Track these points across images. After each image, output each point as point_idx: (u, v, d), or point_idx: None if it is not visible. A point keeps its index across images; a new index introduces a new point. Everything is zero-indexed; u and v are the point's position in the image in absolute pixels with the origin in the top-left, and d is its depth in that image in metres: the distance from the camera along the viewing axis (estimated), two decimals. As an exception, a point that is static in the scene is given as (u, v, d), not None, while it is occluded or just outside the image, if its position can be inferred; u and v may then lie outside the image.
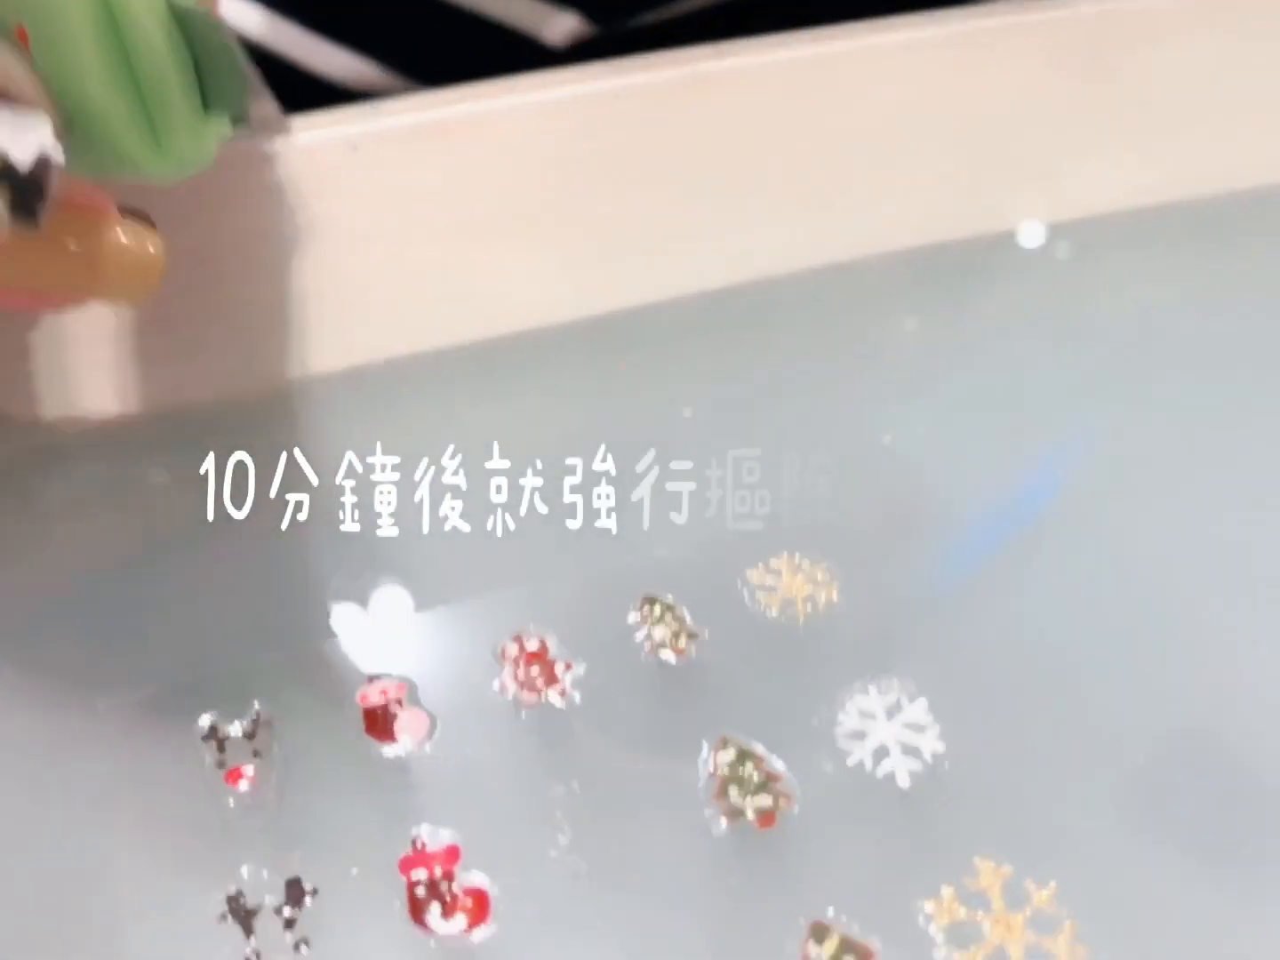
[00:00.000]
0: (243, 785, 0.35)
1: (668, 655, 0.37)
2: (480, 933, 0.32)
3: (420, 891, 0.33)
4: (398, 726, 0.36)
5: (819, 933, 0.32)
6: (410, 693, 0.37)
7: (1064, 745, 0.35)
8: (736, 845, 0.33)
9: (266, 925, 0.32)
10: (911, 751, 0.35)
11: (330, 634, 0.38)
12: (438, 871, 0.33)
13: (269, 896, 0.33)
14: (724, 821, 0.34)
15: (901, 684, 0.36)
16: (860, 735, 0.35)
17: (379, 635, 0.38)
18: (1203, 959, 0.31)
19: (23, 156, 0.25)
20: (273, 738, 0.36)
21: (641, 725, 0.36)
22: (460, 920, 0.32)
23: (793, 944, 0.31)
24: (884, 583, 0.38)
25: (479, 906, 0.33)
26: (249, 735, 0.36)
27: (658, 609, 0.38)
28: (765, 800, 0.34)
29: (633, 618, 0.37)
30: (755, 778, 0.34)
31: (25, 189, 0.26)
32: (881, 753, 0.35)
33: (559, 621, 0.37)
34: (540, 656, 0.37)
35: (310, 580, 0.38)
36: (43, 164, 0.26)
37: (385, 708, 0.37)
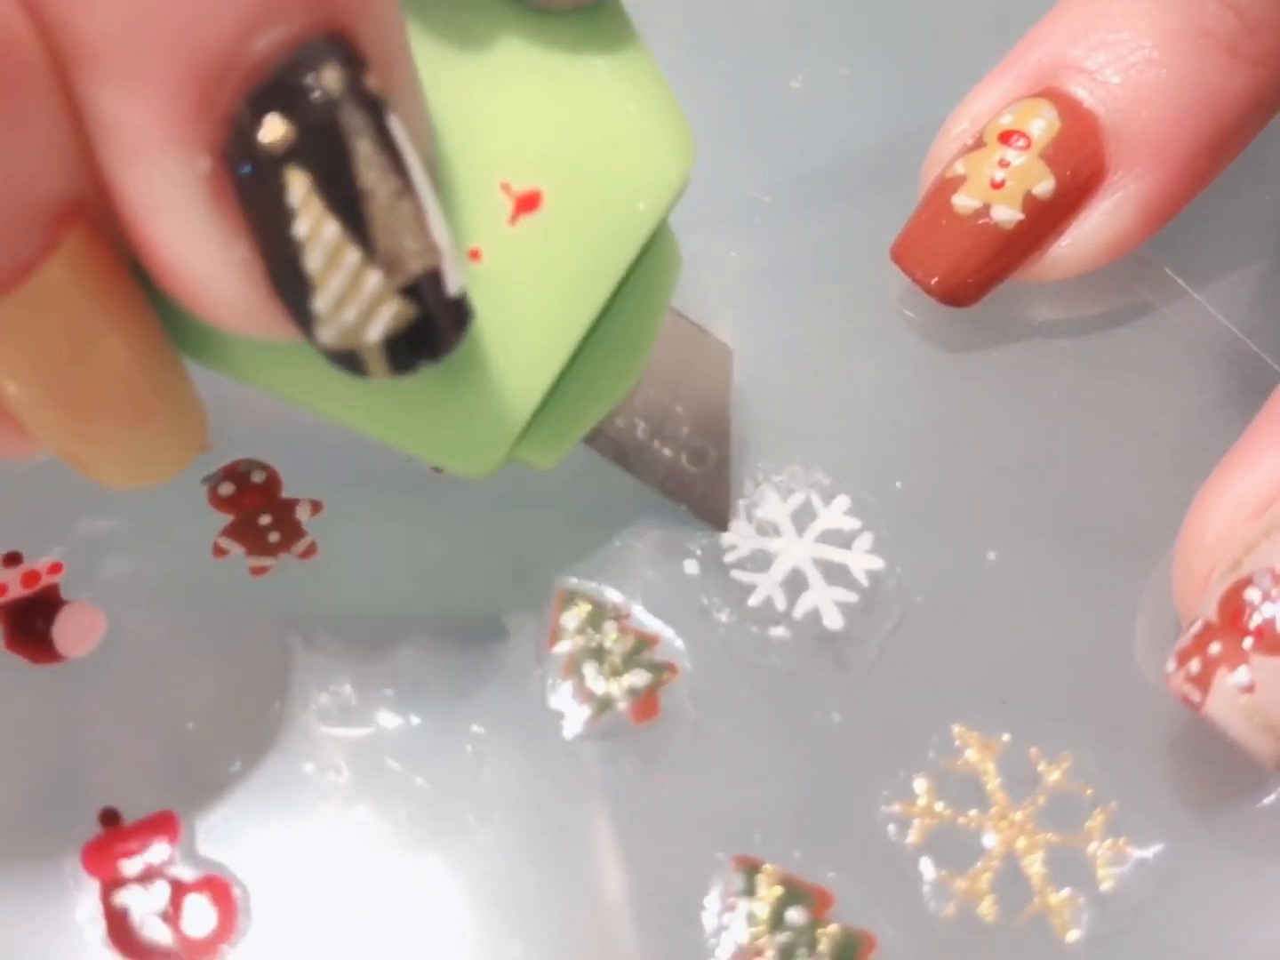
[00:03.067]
0: None
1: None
2: (227, 949, 0.21)
3: (122, 899, 0.21)
4: (56, 629, 0.23)
5: (748, 873, 0.21)
6: (73, 577, 0.24)
7: (1055, 534, 0.25)
8: (604, 753, 0.22)
9: None
10: (838, 575, 0.24)
11: None
12: (146, 861, 0.21)
13: None
14: (579, 717, 0.22)
15: (808, 475, 0.25)
16: (762, 561, 0.24)
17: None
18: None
19: (456, 279, 0.17)
20: None
21: (425, 573, 0.24)
22: (194, 933, 0.21)
23: (713, 891, 0.21)
24: (777, 339, 0.26)
25: (218, 908, 0.21)
26: None
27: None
28: (640, 677, 0.23)
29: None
30: (620, 645, 0.23)
31: (438, 319, 0.17)
32: (796, 582, 0.24)
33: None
34: (269, 496, 0.25)
35: None
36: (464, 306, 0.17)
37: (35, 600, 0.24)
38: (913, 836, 0.21)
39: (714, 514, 0.24)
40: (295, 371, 0.18)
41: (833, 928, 0.20)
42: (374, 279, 0.16)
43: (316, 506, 0.25)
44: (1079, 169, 0.25)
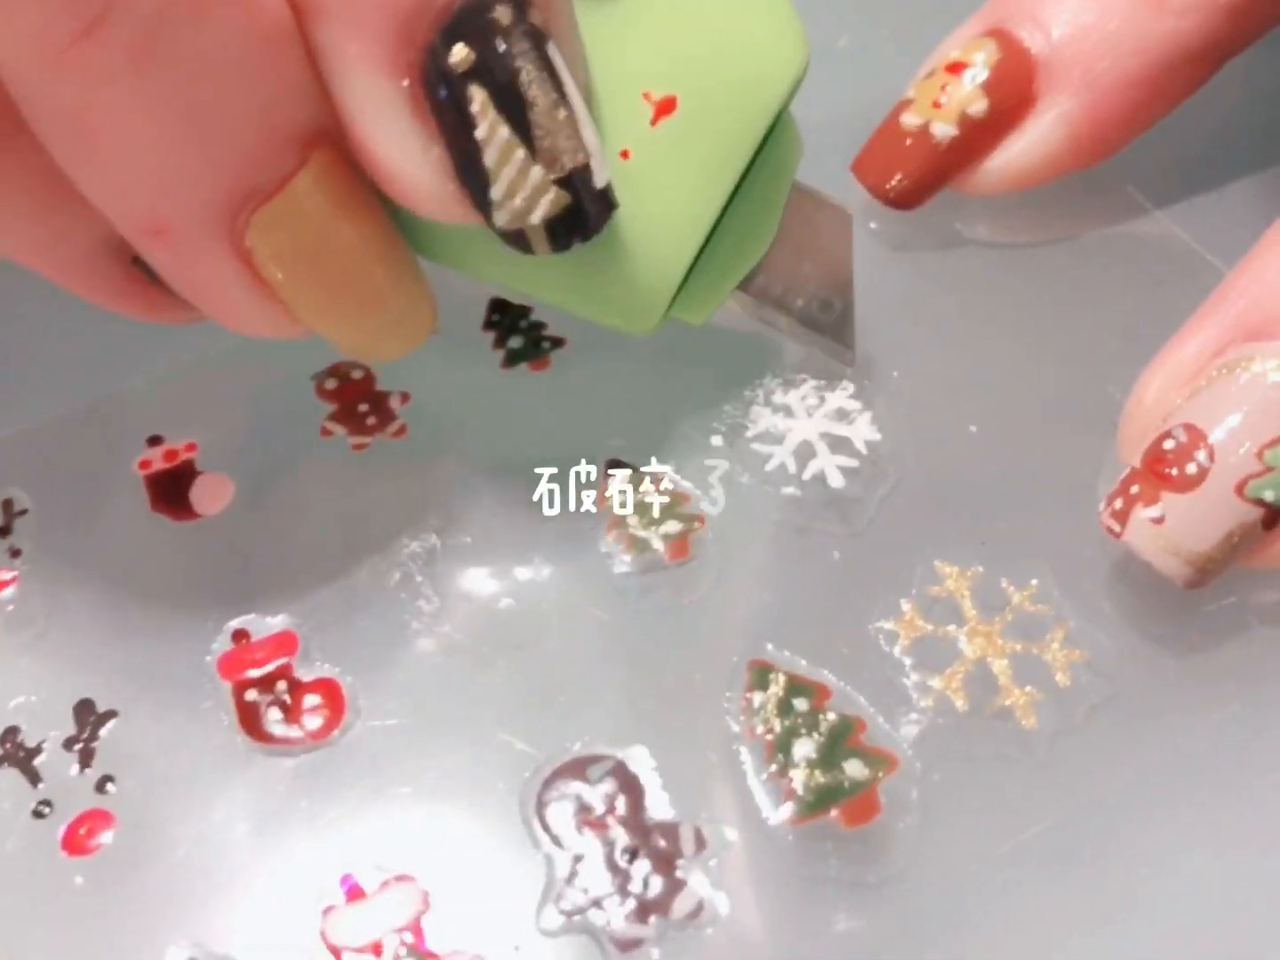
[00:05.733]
0: (6, 593, 0.27)
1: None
2: (338, 735, 0.25)
3: (251, 696, 0.26)
4: (193, 494, 0.29)
5: (760, 674, 0.25)
6: (206, 453, 0.29)
7: (1029, 412, 0.29)
8: (644, 585, 0.27)
9: (55, 764, 0.25)
10: (841, 445, 0.28)
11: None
12: (270, 668, 0.26)
13: (54, 731, 0.25)
14: (626, 558, 0.27)
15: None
16: (777, 436, 0.28)
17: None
18: (1222, 657, 0.26)
19: (602, 174, 0.22)
20: (35, 529, 0.28)
21: (496, 448, 0.29)
22: (310, 723, 0.25)
23: (731, 690, 0.25)
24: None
25: (330, 703, 0.26)
26: (2, 530, 0.28)
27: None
28: (673, 526, 0.27)
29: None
30: (658, 501, 0.28)
31: (588, 205, 0.22)
32: (806, 452, 0.28)
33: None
34: (366, 389, 0.30)
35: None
36: (609, 196, 0.22)
37: (174, 472, 0.29)
38: (899, 645, 0.26)
39: (841, 353, 0.28)
40: (488, 256, 0.23)
41: (830, 714, 0.25)
42: (537, 172, 0.21)
43: (405, 397, 0.30)
44: (1010, 94, 0.30)
